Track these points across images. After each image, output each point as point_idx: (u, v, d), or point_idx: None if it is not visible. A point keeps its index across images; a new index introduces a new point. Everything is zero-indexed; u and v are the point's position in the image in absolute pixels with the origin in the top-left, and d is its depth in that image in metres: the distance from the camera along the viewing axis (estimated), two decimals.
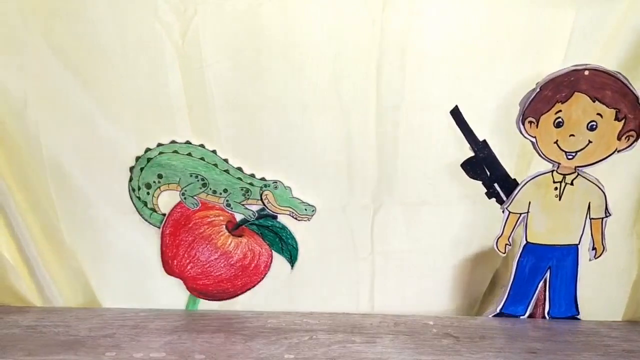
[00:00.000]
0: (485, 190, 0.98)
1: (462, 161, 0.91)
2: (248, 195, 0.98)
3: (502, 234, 1.02)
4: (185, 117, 0.95)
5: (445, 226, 0.97)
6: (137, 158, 1.01)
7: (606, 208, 0.99)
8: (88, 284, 1.08)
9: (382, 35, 0.89)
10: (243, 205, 1.00)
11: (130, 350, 0.91)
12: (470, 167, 0.98)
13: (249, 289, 1.06)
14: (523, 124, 0.93)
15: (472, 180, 0.92)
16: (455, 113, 0.94)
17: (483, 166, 0.96)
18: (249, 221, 1.03)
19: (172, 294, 1.05)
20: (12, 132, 0.97)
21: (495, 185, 0.97)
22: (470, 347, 0.94)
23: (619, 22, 0.87)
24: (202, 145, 0.99)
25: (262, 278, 1.05)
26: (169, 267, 1.08)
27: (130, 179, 1.00)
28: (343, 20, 0.90)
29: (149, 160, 1.00)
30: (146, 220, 1.04)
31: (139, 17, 0.90)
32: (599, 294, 1.05)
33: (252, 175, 1.00)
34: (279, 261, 1.02)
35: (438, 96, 0.92)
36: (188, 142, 0.98)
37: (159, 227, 1.05)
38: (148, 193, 1.01)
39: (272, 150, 0.98)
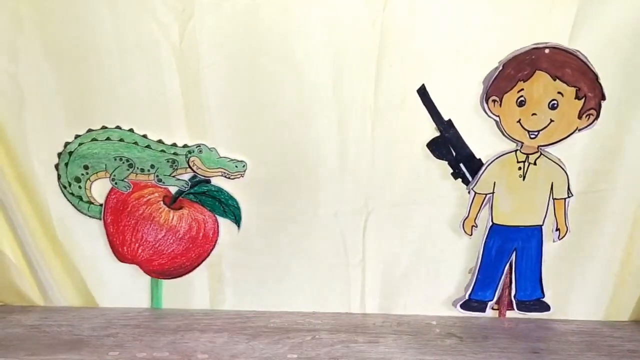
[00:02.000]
0: (451, 171, 0.83)
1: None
2: (175, 165, 0.86)
3: (468, 215, 0.85)
4: (182, 118, 0.83)
5: (436, 227, 0.86)
6: (59, 154, 0.85)
7: (568, 188, 0.83)
8: (85, 283, 0.92)
9: (382, 36, 0.77)
10: (173, 177, 0.87)
11: (134, 349, 0.79)
12: (436, 147, 0.82)
13: (205, 259, 0.91)
14: (487, 103, 0.79)
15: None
16: (422, 92, 0.79)
17: (449, 146, 0.81)
18: (184, 191, 0.88)
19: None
20: (10, 133, 0.84)
21: (461, 165, 0.82)
22: (473, 347, 0.82)
23: (619, 18, 0.76)
24: (118, 127, 0.84)
25: (214, 245, 0.91)
26: (121, 254, 0.90)
27: (59, 177, 0.86)
28: (343, 21, 0.77)
29: (70, 153, 0.85)
30: (85, 214, 0.88)
31: (136, 18, 0.78)
32: (608, 294, 0.90)
33: (174, 145, 0.85)
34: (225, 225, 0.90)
35: (438, 96, 0.79)
36: (104, 127, 0.83)
37: (100, 219, 0.89)
38: (80, 187, 0.87)
39: (268, 152, 0.85)
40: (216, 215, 0.90)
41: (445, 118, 0.81)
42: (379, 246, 0.90)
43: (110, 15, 0.79)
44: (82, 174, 0.87)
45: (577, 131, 0.80)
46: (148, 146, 0.85)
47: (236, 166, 0.86)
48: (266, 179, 0.87)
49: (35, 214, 0.88)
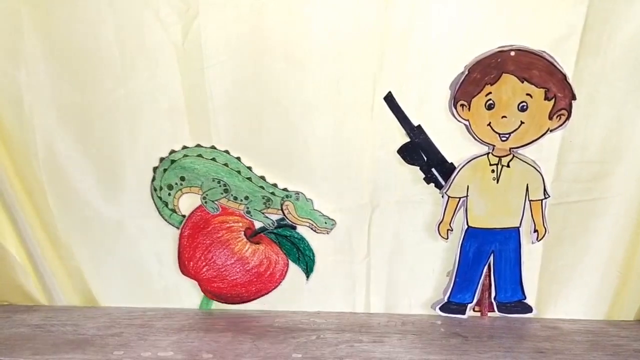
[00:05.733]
0: (424, 176, 0.78)
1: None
2: (269, 204, 0.83)
3: (442, 219, 0.79)
4: (185, 118, 0.79)
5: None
6: (162, 159, 0.81)
7: (544, 189, 0.76)
8: (87, 284, 0.90)
9: (384, 35, 0.73)
10: (263, 213, 0.84)
11: (138, 349, 0.77)
12: (407, 153, 0.76)
13: (263, 295, 0.88)
14: (455, 108, 0.72)
15: None
16: (389, 99, 0.74)
17: (419, 151, 0.76)
18: (267, 229, 0.85)
19: (172, 295, 0.91)
20: (12, 133, 0.81)
21: (433, 170, 0.77)
22: (478, 346, 0.77)
23: (635, 19, 0.71)
24: (226, 151, 0.80)
25: (277, 286, 0.87)
26: (185, 268, 0.87)
27: (153, 179, 0.83)
28: (345, 20, 0.72)
29: (172, 162, 0.81)
30: (166, 220, 0.85)
31: (139, 17, 0.74)
32: (610, 294, 0.86)
33: (275, 185, 0.82)
34: (293, 271, 0.88)
35: (440, 96, 0.75)
36: (213, 147, 0.80)
37: (178, 228, 0.85)
38: (169, 194, 0.84)
39: (272, 152, 0.80)
40: (289, 260, 0.87)
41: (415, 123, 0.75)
42: (384, 243, 0.84)
43: (112, 15, 0.74)
44: (176, 183, 0.83)
45: (548, 132, 0.72)
46: (249, 178, 0.82)
47: (325, 222, 0.83)
48: (270, 178, 0.83)
49: (37, 215, 0.84)
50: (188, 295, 0.90)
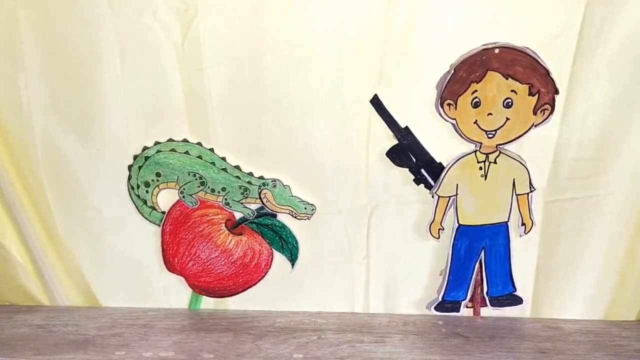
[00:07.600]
0: (413, 177, 0.78)
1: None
2: (247, 194, 0.82)
3: (433, 219, 0.78)
4: (184, 119, 0.78)
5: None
6: (135, 157, 0.80)
7: (530, 183, 0.76)
8: (87, 284, 0.90)
9: (385, 36, 0.72)
10: (242, 203, 0.83)
11: (139, 349, 0.77)
12: (396, 155, 0.75)
13: (251, 286, 0.87)
14: (442, 107, 0.72)
15: None
16: (376, 102, 0.74)
17: (408, 153, 0.76)
18: (248, 220, 0.84)
19: (172, 293, 0.91)
20: (12, 133, 0.80)
21: (422, 171, 0.77)
22: (480, 346, 0.77)
23: (632, 17, 0.70)
24: (199, 144, 0.78)
25: (263, 276, 0.86)
26: (171, 264, 0.86)
27: (129, 178, 0.81)
28: (346, 20, 0.71)
29: (146, 158, 0.80)
30: (146, 218, 0.83)
31: (137, 18, 0.72)
32: (609, 293, 0.85)
33: (251, 174, 0.80)
34: (279, 260, 0.87)
35: (427, 96, 0.74)
36: (185, 140, 0.78)
37: (159, 225, 0.84)
38: (147, 191, 0.82)
39: (271, 153, 0.79)
40: (273, 249, 0.85)
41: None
42: (383, 244, 0.83)
43: (111, 16, 0.72)
44: (153, 180, 0.82)
45: (533, 127, 0.72)
46: (225, 169, 0.81)
47: (305, 208, 0.81)
48: (271, 178, 0.81)
49: (38, 215, 0.84)
50: (176, 294, 0.90)
